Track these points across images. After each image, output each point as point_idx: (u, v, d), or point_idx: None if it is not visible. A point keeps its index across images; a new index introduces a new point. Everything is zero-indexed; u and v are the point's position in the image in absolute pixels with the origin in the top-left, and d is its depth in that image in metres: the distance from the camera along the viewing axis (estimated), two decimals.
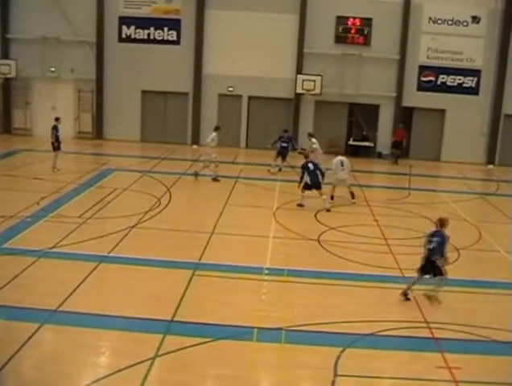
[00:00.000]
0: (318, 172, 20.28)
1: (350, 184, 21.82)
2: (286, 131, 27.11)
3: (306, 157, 21.22)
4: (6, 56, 31.97)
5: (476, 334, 11.55)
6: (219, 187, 23.15)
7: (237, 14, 31.19)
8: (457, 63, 31.43)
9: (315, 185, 20.19)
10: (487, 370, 10.32)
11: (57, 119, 24.61)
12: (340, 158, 21.58)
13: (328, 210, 20.18)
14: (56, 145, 24.24)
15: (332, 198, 21.05)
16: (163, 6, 31.57)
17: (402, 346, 11.09)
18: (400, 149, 31.09)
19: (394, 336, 11.42)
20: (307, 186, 20.31)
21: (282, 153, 26.21)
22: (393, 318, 12.09)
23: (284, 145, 26.19)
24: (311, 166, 20.27)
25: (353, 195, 21.44)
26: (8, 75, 31.65)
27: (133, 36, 31.93)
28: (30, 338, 10.52)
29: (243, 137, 32.56)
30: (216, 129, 24.65)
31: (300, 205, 20.36)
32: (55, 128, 24.22)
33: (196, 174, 23.96)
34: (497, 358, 10.78)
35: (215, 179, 23.72)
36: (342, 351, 10.58)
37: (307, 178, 20.23)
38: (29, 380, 9.41)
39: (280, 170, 26.12)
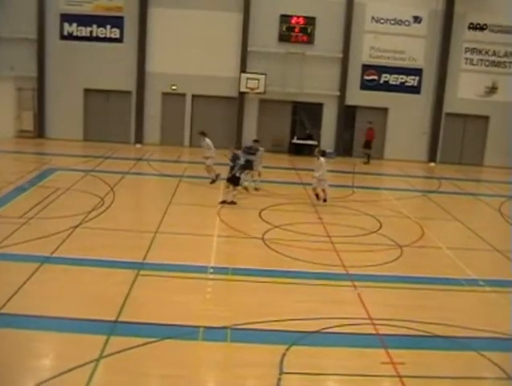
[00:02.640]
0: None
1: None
2: (256, 141, 24.34)
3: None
4: None
5: (419, 329, 11.80)
6: (163, 186, 23.04)
7: (181, 11, 31.07)
8: (399, 63, 32.07)
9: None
10: (430, 365, 10.59)
11: None
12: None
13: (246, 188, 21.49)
14: None
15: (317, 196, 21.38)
16: (105, 3, 31.16)
17: (347, 343, 11.21)
18: (370, 149, 31.52)
19: (338, 333, 11.56)
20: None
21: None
22: (337, 315, 12.23)
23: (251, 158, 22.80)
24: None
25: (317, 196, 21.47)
26: None
27: (75, 34, 31.44)
28: None
29: (187, 135, 32.44)
30: (203, 134, 24.05)
31: (231, 202, 20.48)
32: None
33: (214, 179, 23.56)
34: (439, 352, 11.03)
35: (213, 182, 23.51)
36: (287, 349, 10.67)
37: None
38: None
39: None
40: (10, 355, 10.08)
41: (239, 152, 21.76)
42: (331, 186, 21.82)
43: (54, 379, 9.36)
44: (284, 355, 10.48)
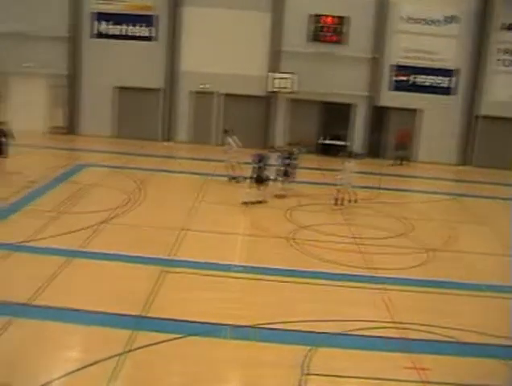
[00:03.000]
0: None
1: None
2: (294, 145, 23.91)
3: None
4: None
5: (444, 335, 11.71)
6: (191, 184, 23.17)
7: (212, 10, 31.10)
8: (431, 63, 31.61)
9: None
10: (455, 372, 10.45)
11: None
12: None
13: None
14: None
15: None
16: (136, 2, 31.41)
17: (371, 346, 11.19)
18: (406, 150, 31.23)
19: (362, 335, 11.55)
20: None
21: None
22: (362, 318, 12.22)
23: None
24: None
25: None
26: None
27: (107, 32, 31.73)
28: (2, 331, 10.55)
29: (216, 134, 32.52)
30: (228, 132, 24.48)
31: (256, 202, 20.48)
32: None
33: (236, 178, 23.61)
34: (465, 359, 10.92)
35: (234, 179, 23.67)
36: (311, 350, 10.70)
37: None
38: (0, 373, 9.45)
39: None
40: (38, 346, 10.31)
41: (273, 154, 21.79)
42: (358, 187, 21.70)
43: (80, 371, 9.55)
44: (307, 356, 10.52)
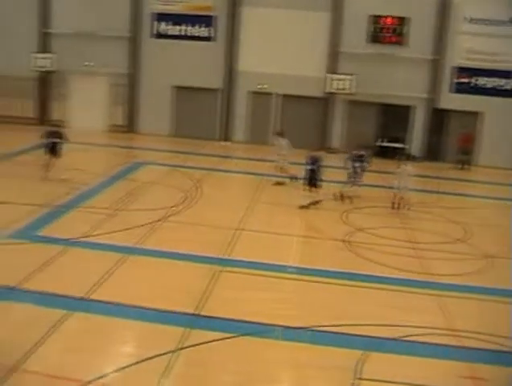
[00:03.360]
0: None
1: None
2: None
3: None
4: (45, 50, 32.45)
5: (501, 344, 11.40)
6: (247, 184, 23.22)
7: (271, 10, 31.14)
8: (495, 65, 30.83)
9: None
10: (507, 382, 10.19)
11: (56, 126, 22.47)
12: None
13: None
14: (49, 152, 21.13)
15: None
16: (196, 2, 31.70)
17: (426, 353, 10.94)
18: (468, 155, 30.62)
19: (418, 342, 11.31)
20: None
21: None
22: (418, 324, 11.97)
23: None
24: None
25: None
26: (46, 69, 32.14)
27: (166, 32, 32.15)
28: (56, 323, 10.77)
29: (272, 134, 32.47)
30: (281, 134, 24.42)
31: (313, 203, 20.14)
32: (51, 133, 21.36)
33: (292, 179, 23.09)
34: None
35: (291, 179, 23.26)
36: (364, 354, 10.56)
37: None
38: (52, 364, 9.60)
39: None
40: (92, 340, 10.48)
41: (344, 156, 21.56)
42: (416, 190, 21.32)
43: (133, 366, 9.66)
44: (360, 360, 10.38)
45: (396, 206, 20.52)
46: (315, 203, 20.15)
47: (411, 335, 11.50)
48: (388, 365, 10.38)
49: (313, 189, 20.01)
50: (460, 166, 30.22)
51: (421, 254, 16.35)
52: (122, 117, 33.13)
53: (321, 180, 20.26)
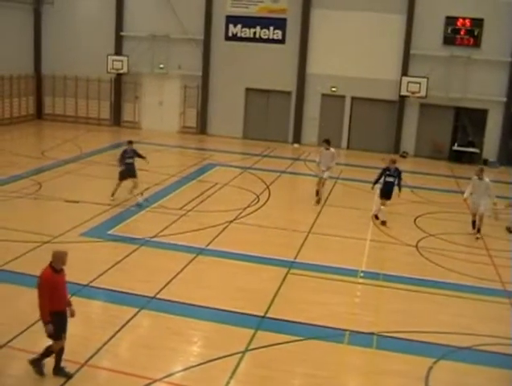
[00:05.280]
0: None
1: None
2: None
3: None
4: (119, 53, 33.28)
5: None
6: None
7: (343, 13, 30.92)
8: None
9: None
10: None
11: (130, 142, 19.51)
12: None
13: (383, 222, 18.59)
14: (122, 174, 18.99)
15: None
16: (269, 5, 31.79)
17: (498, 364, 10.62)
18: None
19: (490, 352, 11.03)
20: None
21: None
22: (491, 333, 11.66)
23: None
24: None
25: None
26: (120, 71, 32.93)
27: (239, 35, 32.35)
28: (127, 321, 11.03)
29: (345, 137, 32.28)
30: (328, 142, 20.94)
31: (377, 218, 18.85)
32: (125, 153, 19.04)
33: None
34: None
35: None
36: (435, 363, 10.35)
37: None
38: (123, 361, 9.83)
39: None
40: (161, 338, 10.65)
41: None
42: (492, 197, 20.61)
43: (201, 366, 9.77)
44: (431, 368, 10.18)
45: (476, 228, 17.98)
46: (383, 223, 18.69)
47: (483, 345, 11.21)
48: (460, 374, 10.15)
49: (387, 202, 18.66)
50: None
51: (497, 261, 15.88)
52: (194, 119, 33.55)
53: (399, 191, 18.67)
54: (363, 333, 11.29)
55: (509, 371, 10.42)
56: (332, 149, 20.70)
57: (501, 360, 10.77)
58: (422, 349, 10.86)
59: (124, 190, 18.96)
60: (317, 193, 20.55)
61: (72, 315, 9.25)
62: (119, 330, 10.65)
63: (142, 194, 19.13)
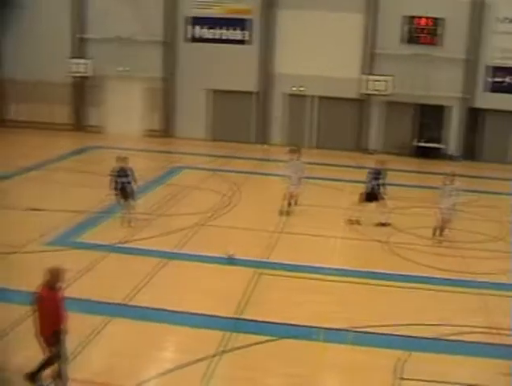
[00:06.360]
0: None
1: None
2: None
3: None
4: (82, 56, 32.83)
5: None
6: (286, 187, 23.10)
7: (306, 13, 30.96)
8: None
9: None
10: None
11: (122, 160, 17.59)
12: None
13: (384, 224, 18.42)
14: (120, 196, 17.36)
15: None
16: (234, 6, 31.75)
17: (470, 352, 10.84)
18: None
19: (461, 341, 11.23)
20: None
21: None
22: (461, 323, 11.88)
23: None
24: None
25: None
26: (84, 74, 32.49)
27: (203, 36, 32.24)
28: (99, 330, 10.89)
29: (310, 136, 32.38)
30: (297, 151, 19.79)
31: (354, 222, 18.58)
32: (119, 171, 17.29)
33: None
34: None
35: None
36: (407, 355, 10.49)
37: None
38: (96, 370, 9.70)
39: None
40: (134, 345, 10.57)
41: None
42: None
43: (176, 371, 9.70)
44: (404, 360, 10.32)
45: (438, 232, 17.57)
46: (386, 224, 18.39)
47: (453, 334, 11.42)
48: (430, 364, 10.30)
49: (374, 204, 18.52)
50: None
51: (463, 253, 16.18)
52: (158, 122, 33.33)
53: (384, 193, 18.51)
54: (338, 329, 11.38)
55: (477, 359, 10.62)
56: (301, 159, 19.57)
57: (469, 348, 10.97)
58: (394, 342, 11.01)
59: (90, 199, 18.69)
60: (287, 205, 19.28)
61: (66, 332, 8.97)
62: (90, 340, 10.47)
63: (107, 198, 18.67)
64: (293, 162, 19.35)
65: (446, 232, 17.50)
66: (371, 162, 21.53)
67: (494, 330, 11.64)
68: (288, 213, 19.10)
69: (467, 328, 11.68)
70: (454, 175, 17.56)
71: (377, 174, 18.37)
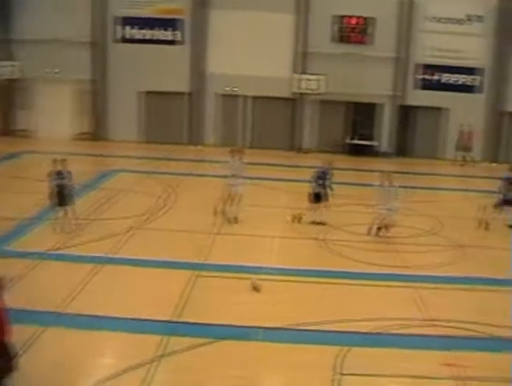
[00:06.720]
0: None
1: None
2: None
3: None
4: (9, 58, 31.83)
5: (479, 331, 11.63)
6: (222, 188, 23.01)
7: (238, 13, 30.94)
8: (457, 62, 31.25)
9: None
10: (492, 367, 10.29)
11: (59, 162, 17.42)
12: None
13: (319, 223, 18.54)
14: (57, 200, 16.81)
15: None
16: (165, 6, 31.46)
17: (407, 345, 11.08)
18: (469, 151, 30.74)
19: (398, 334, 11.44)
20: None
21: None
22: (397, 316, 12.10)
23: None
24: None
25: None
26: (11, 77, 31.51)
27: (133, 36, 31.81)
28: (34, 340, 10.57)
29: (244, 136, 32.41)
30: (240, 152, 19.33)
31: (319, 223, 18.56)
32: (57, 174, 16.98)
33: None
34: (502, 355, 10.68)
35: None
36: (346, 350, 10.61)
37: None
38: (33, 381, 9.41)
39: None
40: (70, 354, 10.28)
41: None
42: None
43: (114, 379, 9.51)
44: (343, 356, 10.43)
45: (373, 231, 17.65)
46: (320, 223, 18.48)
47: (390, 328, 11.61)
48: (372, 359, 10.44)
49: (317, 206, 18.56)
50: (461, 163, 30.50)
51: (398, 248, 16.50)
52: (89, 125, 32.67)
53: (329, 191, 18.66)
54: (275, 328, 11.39)
55: (416, 351, 10.85)
56: (242, 159, 19.02)
57: (408, 341, 11.21)
58: (330, 338, 11.15)
59: (22, 205, 18.20)
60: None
61: None
62: (25, 351, 10.11)
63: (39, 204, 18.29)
64: (233, 163, 18.89)
65: (383, 232, 17.54)
66: (305, 160, 21.73)
67: (429, 323, 11.92)
68: (224, 213, 18.80)
69: (404, 321, 11.90)
70: (390, 173, 17.91)
71: (323, 174, 18.52)
